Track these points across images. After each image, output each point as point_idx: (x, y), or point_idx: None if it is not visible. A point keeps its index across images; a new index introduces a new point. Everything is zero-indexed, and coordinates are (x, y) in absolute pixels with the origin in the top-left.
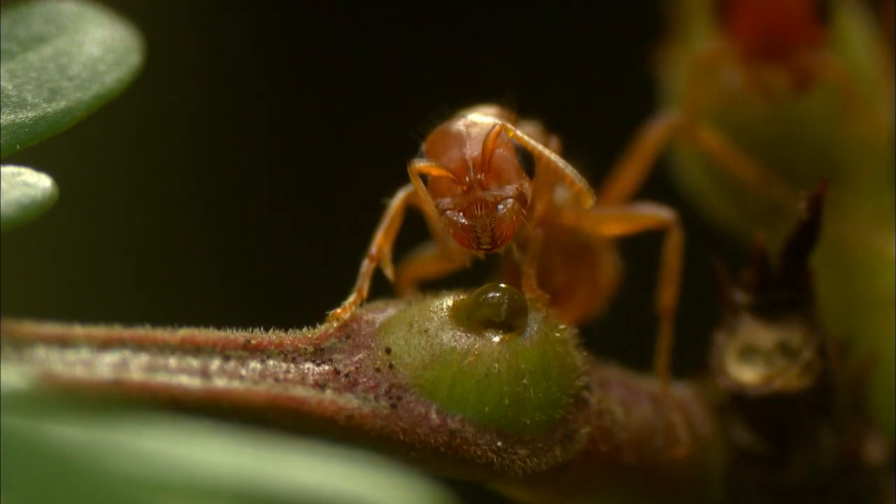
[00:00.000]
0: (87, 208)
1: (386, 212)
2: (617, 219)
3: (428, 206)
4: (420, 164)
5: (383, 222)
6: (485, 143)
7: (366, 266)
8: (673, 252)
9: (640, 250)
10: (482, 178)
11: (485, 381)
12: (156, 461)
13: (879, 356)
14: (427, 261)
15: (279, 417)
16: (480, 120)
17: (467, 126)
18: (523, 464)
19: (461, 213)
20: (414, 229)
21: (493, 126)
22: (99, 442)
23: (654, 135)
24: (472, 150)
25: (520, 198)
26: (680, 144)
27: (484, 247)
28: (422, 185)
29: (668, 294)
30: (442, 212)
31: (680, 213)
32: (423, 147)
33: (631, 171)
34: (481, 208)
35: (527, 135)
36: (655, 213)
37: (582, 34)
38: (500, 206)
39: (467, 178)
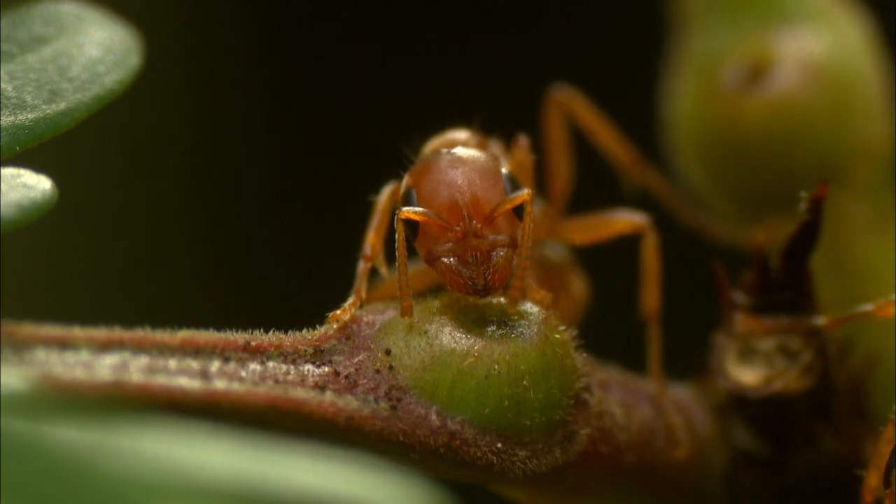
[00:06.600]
0: (86, 210)
1: (374, 209)
2: (590, 227)
3: (402, 253)
4: (409, 212)
5: (372, 220)
6: (479, 189)
7: (361, 266)
8: (650, 255)
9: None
10: (477, 225)
11: (485, 383)
12: (155, 463)
13: (879, 357)
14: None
15: (279, 419)
16: (467, 155)
17: (455, 164)
18: (523, 465)
19: (455, 260)
20: None
21: (485, 165)
22: (99, 444)
23: (545, 115)
24: (466, 195)
25: (512, 244)
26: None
27: (478, 292)
28: (403, 235)
29: (650, 297)
30: (435, 258)
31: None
32: (409, 180)
33: (556, 157)
34: (476, 256)
35: (509, 176)
36: (629, 219)
37: (581, 35)
38: (494, 254)
39: (462, 226)
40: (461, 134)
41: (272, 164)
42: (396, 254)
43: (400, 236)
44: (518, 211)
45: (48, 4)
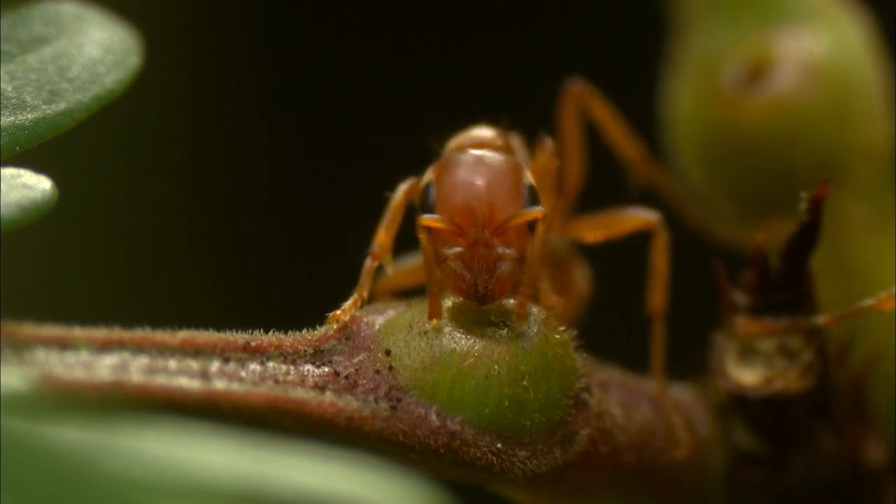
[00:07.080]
0: (86, 210)
1: (387, 207)
2: (602, 224)
3: (429, 261)
4: (427, 219)
5: (384, 218)
6: (498, 199)
7: (368, 264)
8: (659, 253)
9: (641, 251)
10: (488, 235)
11: (485, 383)
12: (155, 463)
13: (879, 357)
14: (405, 273)
15: (279, 419)
16: (492, 161)
17: (478, 168)
18: (523, 465)
19: (461, 264)
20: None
21: (508, 174)
22: (98, 444)
23: (560, 110)
24: (483, 204)
25: (520, 259)
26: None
27: (478, 299)
28: (427, 241)
29: (657, 296)
30: (442, 259)
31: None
32: (431, 175)
33: (569, 152)
34: (481, 264)
35: (530, 187)
36: (640, 216)
37: (581, 35)
38: (500, 265)
39: (473, 233)
40: (488, 132)
41: (272, 164)
42: (423, 261)
43: (425, 245)
44: (532, 223)
45: (48, 4)
